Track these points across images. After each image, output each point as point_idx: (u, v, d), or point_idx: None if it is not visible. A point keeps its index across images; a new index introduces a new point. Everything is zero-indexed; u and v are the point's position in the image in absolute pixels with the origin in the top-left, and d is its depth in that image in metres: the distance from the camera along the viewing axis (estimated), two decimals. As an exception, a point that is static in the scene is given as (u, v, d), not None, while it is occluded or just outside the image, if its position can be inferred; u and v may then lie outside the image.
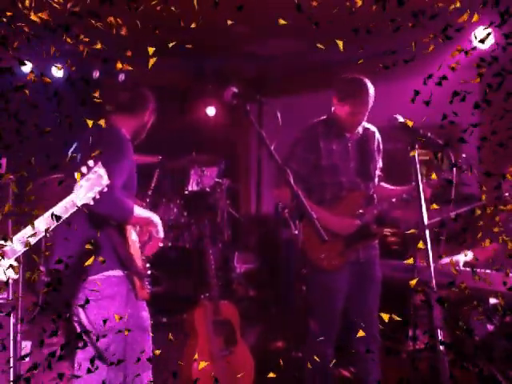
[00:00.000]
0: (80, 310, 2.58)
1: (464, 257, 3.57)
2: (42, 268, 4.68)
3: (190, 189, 6.48)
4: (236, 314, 3.95)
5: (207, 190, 6.36)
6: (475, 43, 1.66)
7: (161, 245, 2.94)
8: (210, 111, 7.84)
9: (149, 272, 2.87)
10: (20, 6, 1.35)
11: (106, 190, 2.02)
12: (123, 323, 2.50)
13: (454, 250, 3.78)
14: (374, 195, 3.44)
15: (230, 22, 1.56)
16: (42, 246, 5.01)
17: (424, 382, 2.76)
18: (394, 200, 3.33)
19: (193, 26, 1.48)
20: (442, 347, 2.21)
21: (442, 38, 1.47)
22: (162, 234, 2.94)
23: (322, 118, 3.44)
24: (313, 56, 6.09)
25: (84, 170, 1.98)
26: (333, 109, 3.42)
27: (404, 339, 4.14)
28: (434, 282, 2.34)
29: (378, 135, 3.55)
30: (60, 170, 2.46)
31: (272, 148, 2.72)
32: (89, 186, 1.96)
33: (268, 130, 2.67)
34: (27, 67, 1.79)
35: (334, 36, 1.59)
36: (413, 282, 1.70)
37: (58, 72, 5.49)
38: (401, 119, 2.81)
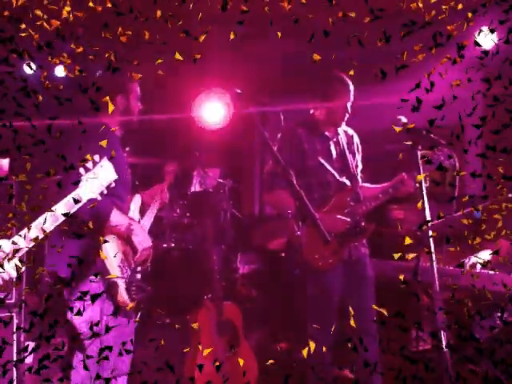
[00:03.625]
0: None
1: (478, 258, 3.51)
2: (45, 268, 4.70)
3: (192, 189, 6.48)
4: (239, 314, 3.95)
5: (210, 190, 6.36)
6: (478, 40, 1.67)
7: (166, 246, 2.88)
8: (213, 112, 7.84)
9: (132, 280, 2.80)
10: (30, 15, 1.37)
11: (113, 185, 1.99)
12: (100, 327, 2.52)
13: (457, 251, 3.76)
14: (360, 193, 3.44)
15: (232, 36, 1.58)
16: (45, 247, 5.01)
17: (427, 383, 2.75)
18: (380, 196, 3.33)
19: (201, 39, 1.50)
20: (445, 348, 2.20)
21: (432, 46, 1.49)
22: (146, 244, 2.84)
23: (301, 120, 3.46)
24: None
25: (89, 164, 1.95)
26: (311, 111, 3.46)
27: (407, 340, 4.13)
28: (437, 283, 2.34)
29: (356, 139, 3.59)
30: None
31: (275, 149, 2.72)
32: (95, 180, 1.93)
33: (271, 130, 2.67)
34: (32, 66, 1.79)
35: (331, 40, 1.61)
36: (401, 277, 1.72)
37: (61, 72, 5.52)
38: (404, 120, 2.81)
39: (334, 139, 3.45)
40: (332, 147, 3.42)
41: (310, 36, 1.59)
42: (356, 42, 1.60)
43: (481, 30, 1.64)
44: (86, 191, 1.91)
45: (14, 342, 3.16)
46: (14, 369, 3.08)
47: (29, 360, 3.76)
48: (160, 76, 1.67)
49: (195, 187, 6.52)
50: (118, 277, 2.65)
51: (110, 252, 2.68)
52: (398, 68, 1.57)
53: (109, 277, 2.59)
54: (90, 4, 1.45)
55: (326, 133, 3.41)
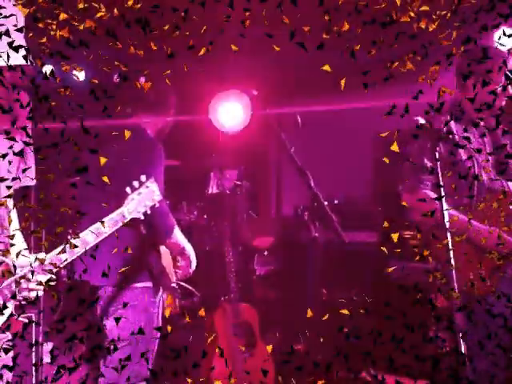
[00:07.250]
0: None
1: None
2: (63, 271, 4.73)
3: (210, 191, 6.50)
4: (255, 316, 3.95)
5: (227, 192, 6.37)
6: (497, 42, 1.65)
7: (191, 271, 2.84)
8: (230, 114, 7.86)
9: (177, 285, 2.80)
10: (42, 24, 1.38)
11: (157, 205, 2.02)
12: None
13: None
14: None
15: (234, 48, 1.60)
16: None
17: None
18: None
19: (202, 52, 1.51)
20: (463, 350, 2.17)
21: (421, 56, 1.49)
22: (187, 272, 2.85)
23: (447, 100, 2.65)
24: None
25: (136, 184, 1.99)
26: (457, 90, 2.86)
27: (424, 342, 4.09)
28: (455, 284, 2.30)
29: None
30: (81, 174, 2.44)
31: (292, 151, 2.70)
32: (140, 200, 1.96)
33: (288, 132, 2.67)
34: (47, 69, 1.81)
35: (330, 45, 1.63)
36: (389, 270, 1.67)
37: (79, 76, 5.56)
38: (422, 121, 2.74)
39: (488, 129, 2.79)
40: (486, 139, 2.81)
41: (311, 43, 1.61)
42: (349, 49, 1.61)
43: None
44: (131, 210, 1.94)
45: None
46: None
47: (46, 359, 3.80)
48: (177, 77, 1.68)
49: (212, 189, 6.54)
50: (175, 282, 2.67)
51: (168, 255, 2.69)
52: (386, 78, 1.57)
53: (173, 283, 2.62)
54: (100, 13, 1.46)
55: (479, 121, 2.71)
